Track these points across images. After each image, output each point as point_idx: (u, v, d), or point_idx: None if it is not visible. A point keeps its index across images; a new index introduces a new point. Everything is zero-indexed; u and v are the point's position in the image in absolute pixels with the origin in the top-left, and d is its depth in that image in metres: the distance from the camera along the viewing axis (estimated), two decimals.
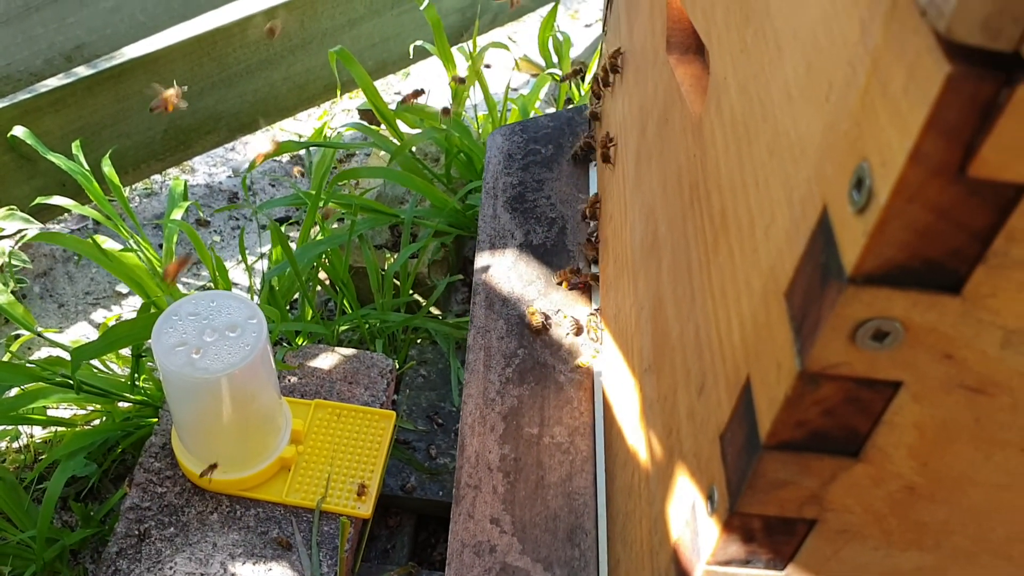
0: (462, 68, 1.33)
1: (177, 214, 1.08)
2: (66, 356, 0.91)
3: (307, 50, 1.42)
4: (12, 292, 1.21)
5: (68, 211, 1.34)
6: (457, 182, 1.24)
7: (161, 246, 1.29)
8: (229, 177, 1.52)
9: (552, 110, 1.49)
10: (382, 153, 1.32)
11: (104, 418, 1.01)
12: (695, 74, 0.61)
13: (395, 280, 1.15)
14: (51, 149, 1.13)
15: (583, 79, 1.26)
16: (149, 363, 0.99)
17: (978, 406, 0.34)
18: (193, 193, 1.46)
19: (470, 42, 1.31)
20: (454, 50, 1.33)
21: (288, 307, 1.15)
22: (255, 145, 1.53)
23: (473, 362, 0.83)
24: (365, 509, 0.82)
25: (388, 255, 1.19)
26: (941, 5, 0.25)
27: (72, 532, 0.92)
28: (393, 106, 1.26)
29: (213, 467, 0.78)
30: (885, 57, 0.29)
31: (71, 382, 0.90)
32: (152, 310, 0.94)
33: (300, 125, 1.62)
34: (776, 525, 0.40)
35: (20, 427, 1.03)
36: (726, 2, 0.49)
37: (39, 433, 1.06)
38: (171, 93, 0.99)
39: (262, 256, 1.29)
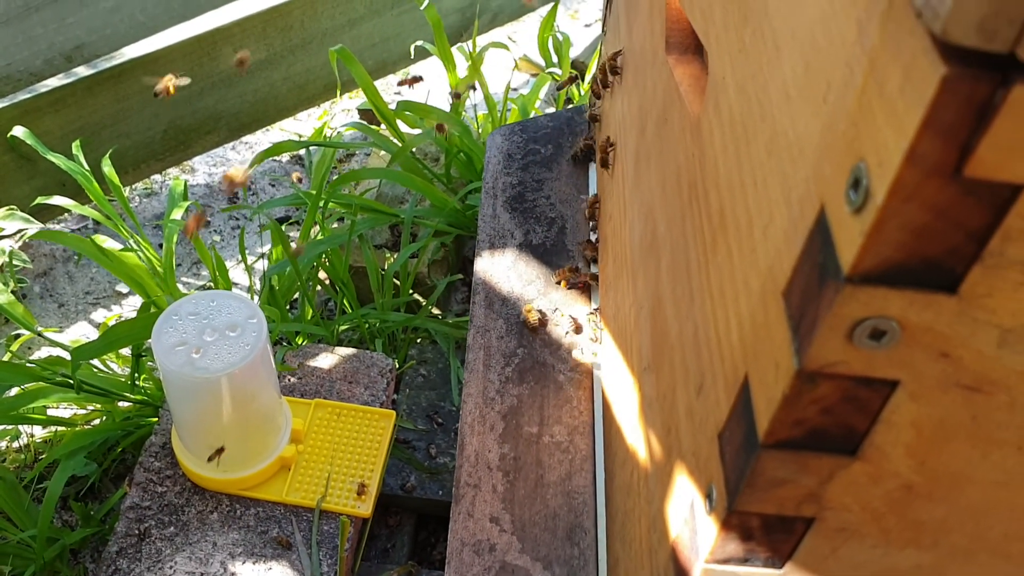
0: (462, 68, 1.33)
1: (177, 214, 1.08)
2: (66, 356, 0.91)
3: (307, 50, 1.42)
4: (12, 292, 1.21)
5: (68, 211, 1.35)
6: (457, 182, 1.25)
7: (161, 246, 1.29)
8: None
9: (552, 110, 1.50)
10: (382, 153, 1.32)
11: (104, 418, 1.01)
12: (694, 74, 0.61)
13: (395, 280, 1.16)
14: (51, 149, 1.13)
15: (583, 79, 1.26)
16: (149, 363, 0.99)
17: (975, 405, 0.34)
18: (193, 193, 1.47)
19: (470, 42, 1.31)
20: (454, 50, 1.33)
21: (288, 307, 1.15)
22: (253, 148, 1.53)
23: (473, 361, 0.84)
24: (365, 508, 0.82)
25: (388, 255, 1.19)
26: (937, 7, 0.25)
27: (72, 531, 0.92)
28: (393, 106, 1.26)
29: (220, 451, 0.78)
30: (882, 58, 0.29)
31: (71, 382, 0.90)
32: (152, 310, 0.94)
33: (300, 125, 1.62)
34: (774, 523, 0.40)
35: (20, 427, 1.03)
36: (724, 2, 0.49)
37: (39, 433, 1.06)
38: (169, 77, 1.00)
39: (262, 256, 1.30)
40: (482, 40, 1.52)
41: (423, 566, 0.92)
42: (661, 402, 0.57)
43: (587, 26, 1.81)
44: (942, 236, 0.29)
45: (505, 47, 1.43)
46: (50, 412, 1.05)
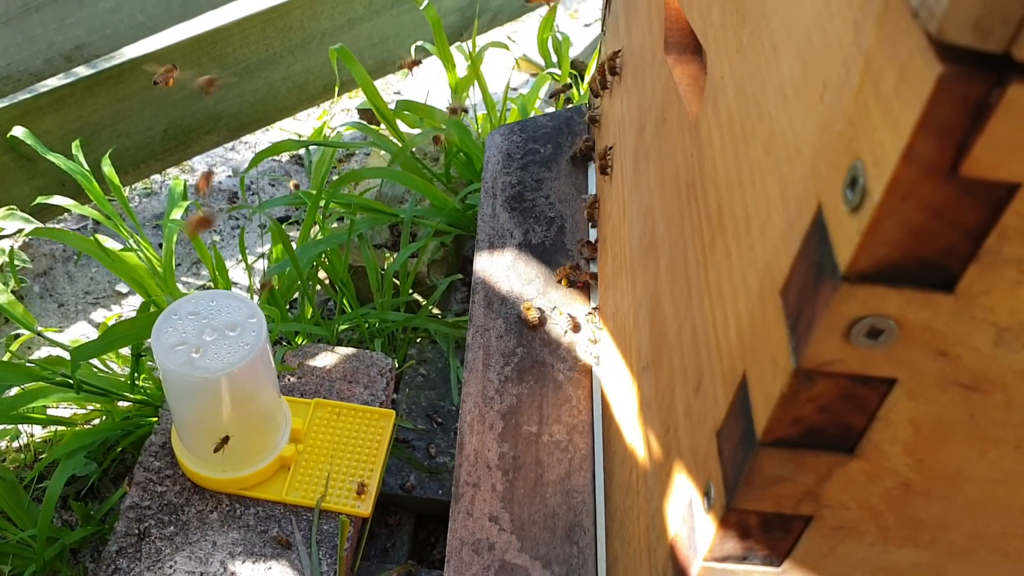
0: (461, 68, 1.33)
1: (177, 214, 1.08)
2: (66, 355, 0.91)
3: (307, 50, 1.42)
4: (12, 292, 1.21)
5: (68, 211, 1.35)
6: (457, 182, 1.25)
7: (161, 246, 1.29)
8: (229, 177, 1.52)
9: (551, 110, 1.50)
10: (382, 152, 1.32)
11: (104, 417, 1.01)
12: (692, 74, 0.61)
13: (395, 279, 1.16)
14: (51, 149, 1.14)
15: (581, 79, 1.26)
16: (149, 362, 0.99)
17: (972, 403, 0.34)
18: (193, 194, 1.47)
19: (469, 42, 1.31)
20: (453, 49, 1.33)
21: (288, 307, 1.15)
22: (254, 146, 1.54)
23: (472, 361, 0.84)
24: (365, 508, 0.82)
25: (388, 255, 1.19)
26: (932, 6, 0.25)
27: (72, 531, 0.92)
28: (393, 106, 1.27)
29: (226, 440, 0.78)
30: (878, 58, 0.29)
31: (71, 381, 0.90)
32: (152, 309, 0.94)
33: (300, 125, 1.62)
34: (772, 521, 0.40)
35: (20, 426, 1.03)
36: (722, 3, 0.49)
37: (39, 432, 1.06)
38: (170, 66, 1.01)
39: (262, 256, 1.30)
40: (482, 40, 1.52)
41: (423, 565, 0.92)
42: (660, 401, 0.57)
43: (587, 26, 1.81)
44: (939, 235, 0.29)
45: (505, 47, 1.43)
46: (50, 412, 1.05)
